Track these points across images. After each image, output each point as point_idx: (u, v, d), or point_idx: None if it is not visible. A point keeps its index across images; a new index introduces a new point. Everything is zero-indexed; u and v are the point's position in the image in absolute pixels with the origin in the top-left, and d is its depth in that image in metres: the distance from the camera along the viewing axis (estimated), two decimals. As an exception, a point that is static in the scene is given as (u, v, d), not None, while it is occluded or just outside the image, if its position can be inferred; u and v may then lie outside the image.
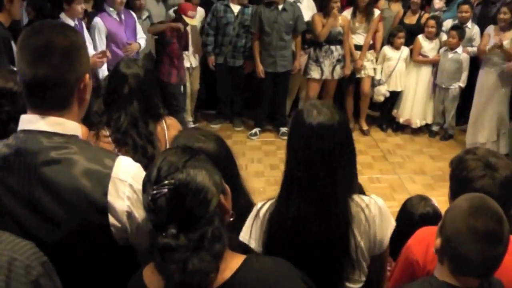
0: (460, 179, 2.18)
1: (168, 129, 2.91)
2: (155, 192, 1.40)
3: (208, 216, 1.43)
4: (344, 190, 1.96)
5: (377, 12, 6.92)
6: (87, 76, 1.63)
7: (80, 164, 1.55)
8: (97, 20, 5.69)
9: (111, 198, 1.55)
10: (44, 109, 1.57)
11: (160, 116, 2.92)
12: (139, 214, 1.58)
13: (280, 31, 6.60)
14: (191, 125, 6.98)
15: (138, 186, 1.55)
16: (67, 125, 1.59)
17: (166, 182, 1.41)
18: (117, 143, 2.78)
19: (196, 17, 6.45)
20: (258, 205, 2.09)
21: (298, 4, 6.98)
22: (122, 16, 5.90)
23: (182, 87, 6.62)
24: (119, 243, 1.61)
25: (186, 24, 6.29)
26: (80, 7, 5.20)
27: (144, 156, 2.73)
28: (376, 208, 2.00)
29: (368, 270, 2.04)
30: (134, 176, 1.59)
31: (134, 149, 2.77)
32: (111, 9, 5.77)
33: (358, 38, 6.91)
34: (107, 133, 2.80)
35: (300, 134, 1.94)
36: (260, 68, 6.76)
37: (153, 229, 1.44)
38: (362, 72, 6.97)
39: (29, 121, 1.58)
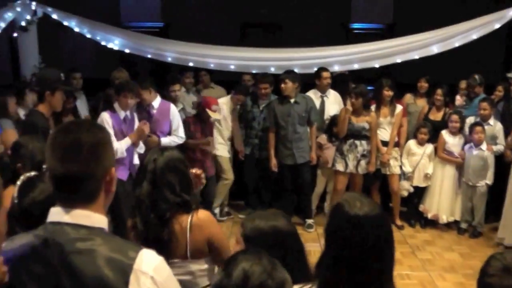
0: (480, 272, 2.21)
1: (192, 229, 2.78)
2: None
3: None
4: (389, 281, 1.99)
5: (399, 107, 7.01)
6: (113, 169, 1.73)
7: (104, 255, 1.60)
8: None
9: None
10: (72, 202, 1.66)
11: (172, 208, 2.80)
12: None
13: (294, 124, 6.72)
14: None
15: (159, 278, 1.62)
16: (94, 218, 1.67)
17: None
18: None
19: (218, 111, 6.59)
20: None
21: (325, 98, 7.20)
22: (153, 111, 6.09)
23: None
24: None
25: (208, 117, 6.46)
26: (127, 101, 5.49)
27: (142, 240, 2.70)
28: None
29: None
30: (156, 269, 1.63)
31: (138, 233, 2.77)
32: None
33: (382, 133, 6.95)
34: None
35: (344, 225, 1.96)
36: (274, 161, 6.87)
37: None
38: (387, 169, 6.99)
39: (57, 213, 1.66)
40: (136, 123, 5.72)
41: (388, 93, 6.85)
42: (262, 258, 1.59)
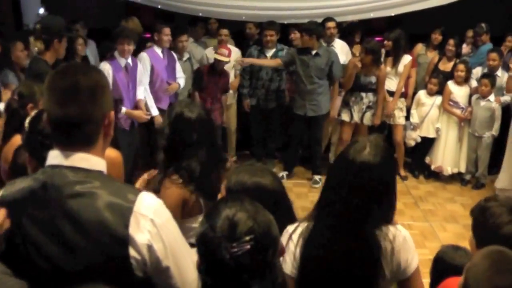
0: (486, 227, 2.19)
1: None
2: (236, 249, 1.45)
3: (277, 263, 1.52)
4: (374, 223, 2.01)
5: (408, 58, 6.89)
6: (112, 113, 1.72)
7: (104, 197, 1.60)
8: (144, 55, 6.14)
9: (132, 231, 1.59)
10: (71, 146, 1.65)
11: (224, 159, 2.90)
12: (159, 247, 1.63)
13: (311, 76, 6.59)
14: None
15: (159, 221, 1.63)
16: (93, 161, 1.67)
17: (247, 238, 1.46)
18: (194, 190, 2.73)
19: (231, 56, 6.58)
20: (290, 228, 2.13)
21: (332, 48, 7.06)
22: (166, 55, 6.27)
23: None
24: (138, 276, 1.63)
25: (222, 66, 6.46)
26: (123, 47, 5.59)
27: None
28: (400, 238, 2.03)
29: None
30: (156, 212, 1.64)
31: (209, 196, 2.70)
32: (157, 47, 6.23)
33: (389, 83, 6.85)
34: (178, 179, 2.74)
35: (340, 166, 2.04)
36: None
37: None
38: (392, 120, 6.96)
39: (56, 157, 1.66)
40: (140, 71, 5.84)
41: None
42: (244, 203, 1.56)
